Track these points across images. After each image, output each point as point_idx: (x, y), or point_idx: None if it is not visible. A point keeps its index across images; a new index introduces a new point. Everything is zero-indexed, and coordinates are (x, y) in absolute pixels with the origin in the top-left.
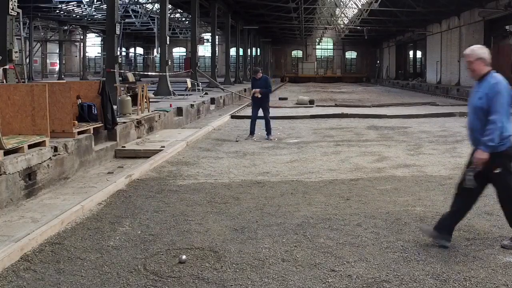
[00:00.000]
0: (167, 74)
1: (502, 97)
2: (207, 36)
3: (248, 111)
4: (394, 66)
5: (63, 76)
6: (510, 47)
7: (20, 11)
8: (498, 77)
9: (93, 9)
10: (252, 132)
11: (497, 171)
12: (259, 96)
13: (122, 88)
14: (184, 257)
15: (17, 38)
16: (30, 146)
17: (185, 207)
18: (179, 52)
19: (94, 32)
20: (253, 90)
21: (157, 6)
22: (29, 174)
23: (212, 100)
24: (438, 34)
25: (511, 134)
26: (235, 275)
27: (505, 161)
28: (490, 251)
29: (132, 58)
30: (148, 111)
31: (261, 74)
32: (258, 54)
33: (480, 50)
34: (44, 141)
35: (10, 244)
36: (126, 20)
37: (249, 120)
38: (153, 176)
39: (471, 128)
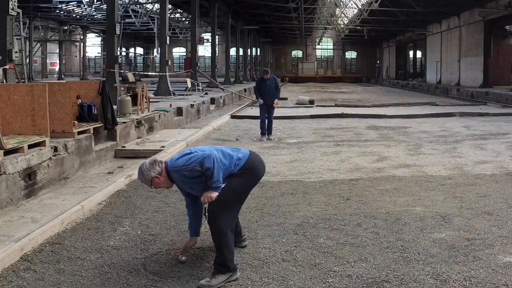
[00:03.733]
0: (167, 74)
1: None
2: (207, 36)
3: (248, 111)
4: (394, 66)
5: (63, 76)
6: (510, 47)
7: (20, 11)
8: (174, 174)
9: (93, 9)
10: (264, 132)
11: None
12: (279, 106)
13: (122, 88)
14: (184, 257)
15: (17, 38)
16: (30, 146)
17: (185, 207)
18: (179, 52)
19: (94, 32)
20: (276, 101)
21: (157, 6)
22: (29, 174)
23: (212, 100)
24: (438, 34)
25: (239, 158)
26: None
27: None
28: (490, 251)
29: (132, 58)
30: (148, 111)
31: (269, 75)
32: (258, 54)
33: (146, 166)
34: (44, 141)
35: (10, 244)
36: (126, 20)
37: (249, 120)
38: None
39: None
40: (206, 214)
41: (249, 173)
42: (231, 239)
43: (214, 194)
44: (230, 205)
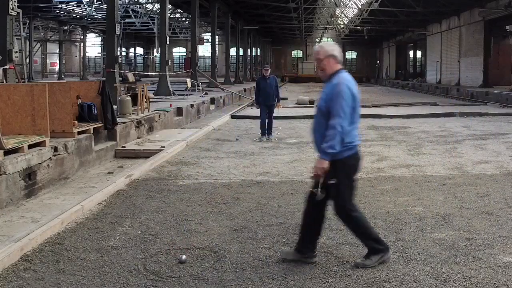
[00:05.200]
0: (167, 74)
1: (343, 99)
2: (207, 36)
3: (248, 111)
4: (394, 66)
5: (63, 76)
6: (510, 47)
7: (20, 11)
8: (342, 77)
9: (93, 9)
10: (264, 132)
11: (331, 182)
12: (281, 107)
13: (122, 88)
14: (184, 257)
15: (17, 38)
16: (30, 146)
17: (185, 207)
18: (179, 52)
19: (94, 32)
20: (279, 105)
21: (157, 6)
22: (29, 174)
23: (212, 100)
24: (438, 34)
25: (353, 141)
26: (235, 275)
27: (341, 171)
28: (490, 251)
29: (132, 58)
30: (148, 111)
31: (269, 72)
32: (258, 54)
33: (330, 47)
34: (44, 141)
35: (10, 244)
36: (126, 20)
37: (249, 120)
38: (153, 176)
39: (312, 131)
40: (318, 191)
41: (352, 167)
42: (362, 221)
43: (323, 164)
44: (347, 195)
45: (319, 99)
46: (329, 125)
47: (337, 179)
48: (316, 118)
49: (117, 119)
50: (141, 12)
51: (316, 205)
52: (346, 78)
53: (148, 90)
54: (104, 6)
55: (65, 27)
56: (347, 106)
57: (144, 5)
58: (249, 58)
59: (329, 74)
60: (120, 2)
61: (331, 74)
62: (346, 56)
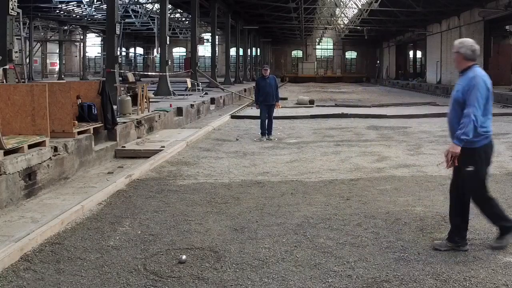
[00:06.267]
0: (167, 74)
1: (478, 91)
2: (207, 36)
3: (248, 111)
4: (394, 66)
5: (63, 76)
6: (510, 47)
7: (20, 11)
8: (477, 71)
9: (93, 9)
10: (264, 132)
11: (469, 169)
12: (280, 107)
13: (122, 88)
14: (184, 257)
15: (17, 38)
16: (30, 146)
17: (185, 207)
18: (179, 52)
19: (94, 32)
20: (278, 104)
21: (157, 6)
22: (29, 174)
23: (212, 100)
24: (438, 34)
25: (489, 131)
26: (235, 275)
27: (478, 159)
28: (490, 251)
29: (132, 58)
30: (148, 111)
31: (268, 72)
32: (258, 54)
33: (459, 45)
34: (44, 141)
35: (10, 244)
36: (126, 20)
37: (249, 120)
38: (153, 176)
39: (449, 121)
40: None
41: (488, 155)
42: (495, 203)
43: (456, 149)
44: (482, 181)
45: (455, 91)
46: (464, 114)
47: (475, 166)
48: (452, 108)
49: (117, 119)
50: (141, 12)
51: (456, 194)
52: (481, 72)
53: (148, 90)
54: (104, 6)
55: (65, 27)
56: (481, 97)
57: (144, 5)
58: (249, 58)
59: (460, 68)
60: (120, 2)
61: (464, 69)
62: (346, 56)
